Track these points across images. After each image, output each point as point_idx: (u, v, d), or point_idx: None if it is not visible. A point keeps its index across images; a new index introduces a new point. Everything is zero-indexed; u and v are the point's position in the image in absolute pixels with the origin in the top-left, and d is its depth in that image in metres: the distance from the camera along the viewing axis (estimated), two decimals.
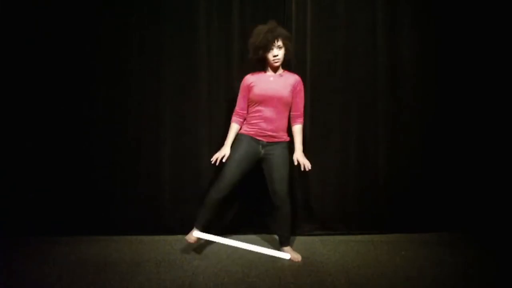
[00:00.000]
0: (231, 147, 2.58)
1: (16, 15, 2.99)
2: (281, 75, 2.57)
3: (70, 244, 2.89)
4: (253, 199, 3.05)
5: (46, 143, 3.06)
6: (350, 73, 3.12)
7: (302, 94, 2.62)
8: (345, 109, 3.14)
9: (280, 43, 2.45)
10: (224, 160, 2.53)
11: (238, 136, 2.59)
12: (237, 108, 2.64)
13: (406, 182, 3.16)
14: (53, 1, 2.98)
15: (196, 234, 2.60)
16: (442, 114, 3.16)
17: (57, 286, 2.24)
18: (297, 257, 2.64)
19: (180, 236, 3.05)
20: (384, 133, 3.15)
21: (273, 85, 2.51)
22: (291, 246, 2.81)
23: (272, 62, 2.48)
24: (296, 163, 2.55)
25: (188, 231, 3.09)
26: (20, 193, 3.06)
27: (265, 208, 2.91)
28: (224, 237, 2.82)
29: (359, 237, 3.09)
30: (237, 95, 2.70)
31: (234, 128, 2.61)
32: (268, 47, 2.43)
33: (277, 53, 2.45)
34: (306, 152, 3.10)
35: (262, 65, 2.59)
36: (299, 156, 2.55)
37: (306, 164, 2.51)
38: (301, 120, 2.63)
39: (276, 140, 2.55)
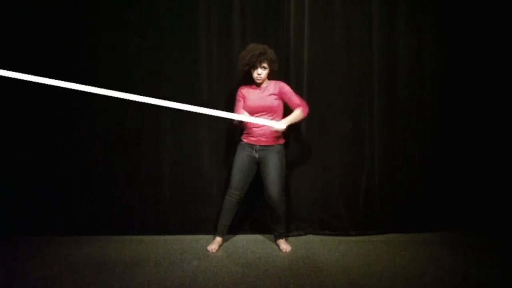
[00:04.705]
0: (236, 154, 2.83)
1: (16, 15, 2.99)
2: (265, 88, 2.78)
3: (70, 244, 2.89)
4: (254, 201, 3.05)
5: (46, 143, 3.06)
6: (348, 73, 3.11)
7: (290, 92, 2.78)
8: (342, 109, 3.13)
9: (265, 64, 2.71)
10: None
11: (238, 146, 2.83)
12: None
13: (406, 182, 3.16)
14: (53, 1, 2.99)
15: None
16: (441, 113, 3.15)
17: (57, 286, 2.24)
18: (287, 248, 2.81)
19: (180, 236, 3.06)
20: (382, 133, 3.14)
21: (260, 98, 2.75)
22: (289, 244, 2.87)
23: (255, 79, 2.75)
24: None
25: (188, 231, 3.12)
26: (19, 193, 3.06)
27: (265, 209, 2.91)
28: (225, 236, 2.85)
29: (359, 237, 3.08)
30: (236, 95, 2.81)
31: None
32: (254, 66, 2.71)
33: (260, 73, 2.72)
34: (305, 152, 3.13)
35: (248, 76, 2.79)
36: (282, 121, 2.70)
37: (276, 126, 2.65)
38: (301, 108, 2.74)
39: (268, 143, 2.73)
